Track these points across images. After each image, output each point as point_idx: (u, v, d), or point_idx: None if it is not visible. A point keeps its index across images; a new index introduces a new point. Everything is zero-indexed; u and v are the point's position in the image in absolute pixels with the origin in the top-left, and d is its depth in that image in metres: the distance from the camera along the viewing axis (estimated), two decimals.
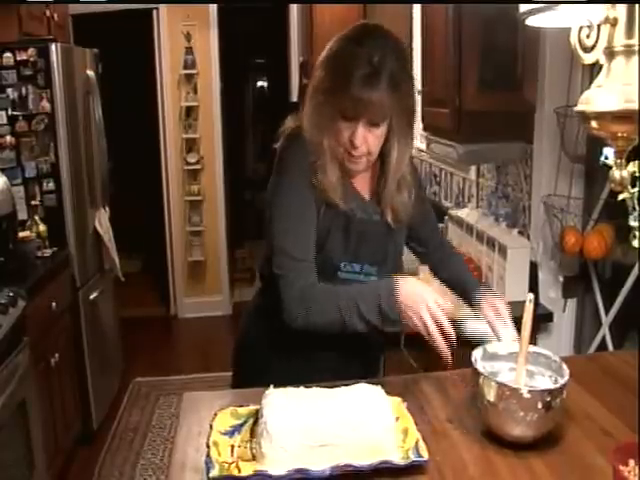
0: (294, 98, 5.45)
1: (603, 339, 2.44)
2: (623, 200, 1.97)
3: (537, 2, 1.19)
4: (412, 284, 1.49)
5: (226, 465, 1.27)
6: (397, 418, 1.38)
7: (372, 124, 1.56)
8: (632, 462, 1.18)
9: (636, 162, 1.10)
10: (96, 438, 3.65)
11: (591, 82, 1.22)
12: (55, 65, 3.34)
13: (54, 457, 3.05)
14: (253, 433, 1.35)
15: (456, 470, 1.29)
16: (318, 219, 1.62)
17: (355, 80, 1.50)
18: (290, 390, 1.39)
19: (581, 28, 1.21)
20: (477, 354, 1.45)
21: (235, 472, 1.25)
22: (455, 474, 1.28)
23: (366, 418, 1.29)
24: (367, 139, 1.57)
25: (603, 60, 1.18)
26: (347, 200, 1.64)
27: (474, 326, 1.61)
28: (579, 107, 1.16)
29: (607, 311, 2.41)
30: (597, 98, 1.14)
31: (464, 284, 1.86)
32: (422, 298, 1.45)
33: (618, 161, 1.11)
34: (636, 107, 1.03)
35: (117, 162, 4.51)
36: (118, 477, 3.33)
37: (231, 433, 1.38)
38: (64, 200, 3.46)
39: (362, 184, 1.72)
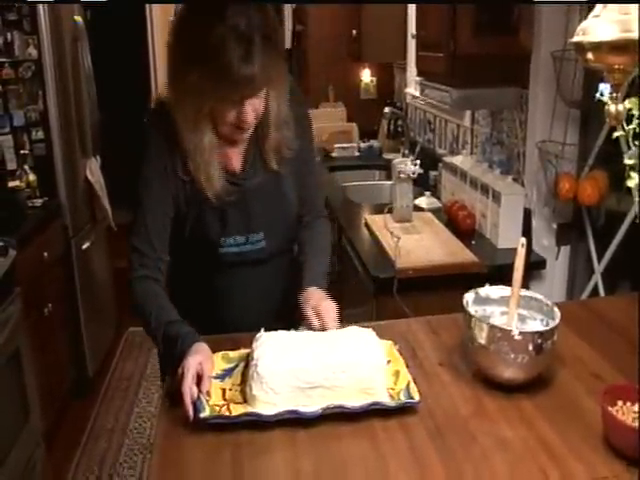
0: (287, 45, 5.35)
1: (595, 287, 2.44)
2: (618, 143, 1.96)
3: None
4: (199, 351, 1.36)
5: (217, 408, 1.27)
6: (389, 361, 1.39)
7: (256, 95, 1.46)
8: (620, 403, 1.20)
9: (633, 99, 1.07)
10: (91, 387, 3.68)
11: None
12: (41, 10, 3.23)
13: (49, 405, 3.06)
14: (244, 376, 1.35)
15: (447, 411, 1.30)
16: (186, 202, 1.58)
17: (233, 67, 1.36)
18: (281, 333, 1.39)
19: None
20: (469, 297, 1.44)
21: (226, 414, 1.25)
22: (446, 415, 1.29)
23: (357, 360, 1.30)
24: (255, 109, 1.47)
25: None
26: (217, 180, 1.55)
27: None
28: (575, 38, 1.12)
29: (600, 259, 2.41)
30: (594, 28, 1.10)
31: (304, 267, 1.64)
32: (188, 364, 1.31)
33: (614, 95, 1.08)
34: (634, 37, 0.99)
35: (108, 112, 4.43)
36: (113, 424, 3.36)
37: (222, 377, 1.38)
38: (54, 149, 3.40)
39: (232, 154, 1.61)
